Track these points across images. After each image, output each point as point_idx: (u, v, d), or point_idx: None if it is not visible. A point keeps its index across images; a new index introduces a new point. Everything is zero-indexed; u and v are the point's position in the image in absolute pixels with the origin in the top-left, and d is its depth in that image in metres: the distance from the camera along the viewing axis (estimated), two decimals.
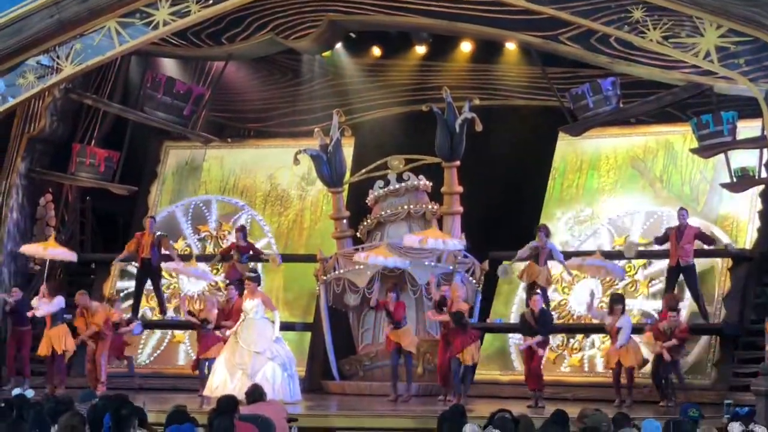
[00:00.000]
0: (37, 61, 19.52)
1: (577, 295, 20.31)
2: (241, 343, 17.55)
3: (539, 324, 17.78)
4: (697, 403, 15.33)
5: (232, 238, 21.62)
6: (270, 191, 23.06)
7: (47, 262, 20.76)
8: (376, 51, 23.45)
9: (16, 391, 13.33)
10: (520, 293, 20.42)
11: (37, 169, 22.02)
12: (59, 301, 18.84)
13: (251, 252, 20.69)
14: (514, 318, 20.21)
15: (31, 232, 22.19)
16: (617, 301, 18.14)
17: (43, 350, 18.71)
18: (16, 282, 21.27)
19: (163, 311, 21.33)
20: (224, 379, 17.37)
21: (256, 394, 12.83)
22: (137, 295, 21.32)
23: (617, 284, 19.92)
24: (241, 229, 21.07)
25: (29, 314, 19.14)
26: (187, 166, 23.68)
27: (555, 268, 19.95)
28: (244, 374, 17.20)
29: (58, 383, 18.54)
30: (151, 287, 21.29)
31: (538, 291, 18.48)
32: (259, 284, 18.48)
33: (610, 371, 18.13)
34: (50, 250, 20.12)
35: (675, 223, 19.27)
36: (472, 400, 17.53)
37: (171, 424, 10.06)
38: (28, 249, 20.64)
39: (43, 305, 18.72)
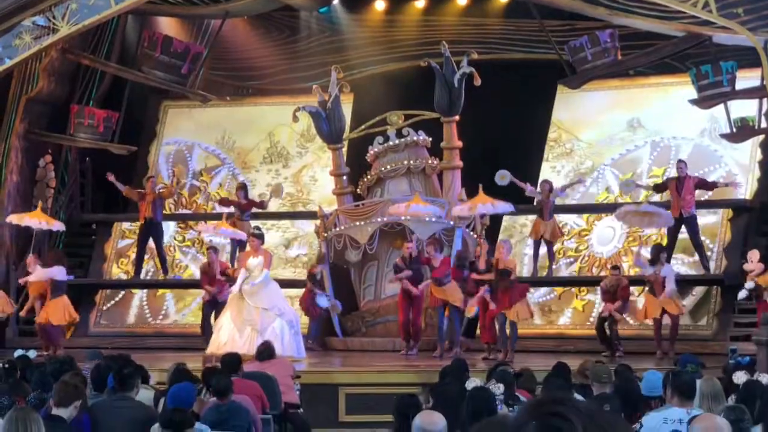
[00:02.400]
0: (32, 21, 19.42)
1: (599, 236, 20.32)
2: (248, 300, 17.55)
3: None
4: (699, 353, 15.42)
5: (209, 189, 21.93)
6: (269, 148, 23.09)
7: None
8: (374, 6, 23.35)
9: (18, 352, 13.37)
10: (524, 249, 20.53)
11: (36, 131, 21.99)
12: (56, 271, 18.53)
13: (253, 208, 20.70)
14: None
15: (31, 194, 22.20)
16: (660, 251, 18.11)
17: (40, 318, 18.53)
18: (17, 244, 21.31)
19: (165, 271, 21.39)
20: (232, 336, 17.37)
21: (266, 352, 12.90)
22: (139, 255, 21.39)
23: (642, 231, 19.91)
24: (242, 187, 21.09)
25: (21, 281, 19.10)
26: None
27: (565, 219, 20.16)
28: (254, 330, 17.21)
29: (57, 346, 18.41)
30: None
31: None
32: (263, 242, 18.50)
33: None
34: (27, 220, 19.78)
35: (682, 151, 19.34)
36: (473, 354, 17.59)
37: (174, 382, 10.10)
38: (13, 218, 20.17)
39: (38, 271, 18.57)
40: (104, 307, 21.81)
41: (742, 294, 17.53)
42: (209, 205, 22.73)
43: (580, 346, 18.37)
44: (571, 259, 20.64)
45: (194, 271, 21.45)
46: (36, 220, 19.74)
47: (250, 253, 18.08)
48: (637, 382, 9.33)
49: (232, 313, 17.63)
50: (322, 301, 19.59)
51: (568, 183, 20.72)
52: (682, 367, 11.30)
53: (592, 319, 19.77)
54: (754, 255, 17.47)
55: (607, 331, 18.02)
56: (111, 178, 21.38)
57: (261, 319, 17.33)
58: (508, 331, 17.55)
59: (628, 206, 19.08)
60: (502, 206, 19.28)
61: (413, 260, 18.53)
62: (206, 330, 19.07)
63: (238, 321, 17.45)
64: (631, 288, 18.88)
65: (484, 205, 18.96)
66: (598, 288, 18.61)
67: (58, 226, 20.18)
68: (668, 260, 18.72)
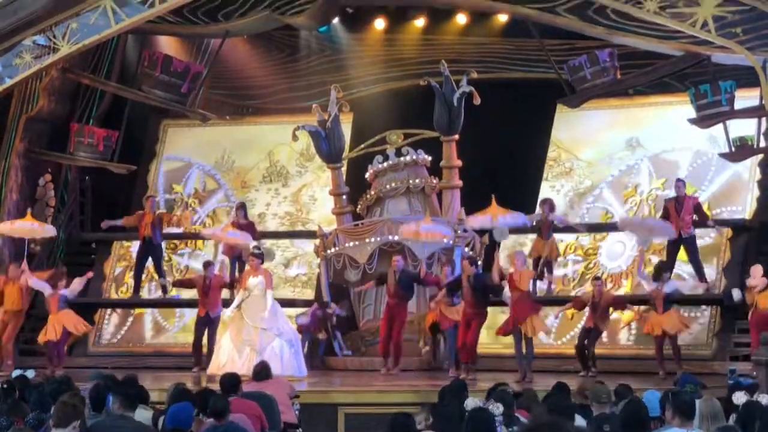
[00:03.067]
0: (33, 41, 19.44)
1: (609, 250, 20.30)
2: (247, 320, 17.56)
3: (474, 290, 17.66)
4: (698, 373, 15.41)
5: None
6: (269, 168, 23.10)
7: (47, 244, 20.87)
8: (373, 26, 23.40)
9: (16, 373, 13.35)
10: None
11: (36, 150, 21.99)
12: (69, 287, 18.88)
13: (251, 230, 20.62)
14: None
15: (31, 213, 22.15)
16: (665, 269, 18.19)
17: (50, 335, 18.64)
18: (16, 260, 21.25)
19: (164, 291, 21.37)
20: (231, 357, 17.40)
21: (263, 372, 12.89)
22: (138, 274, 21.37)
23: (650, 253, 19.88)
24: (241, 207, 21.12)
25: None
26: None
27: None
28: (253, 350, 17.21)
29: (56, 365, 18.53)
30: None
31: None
32: (263, 261, 18.51)
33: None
34: (18, 224, 19.76)
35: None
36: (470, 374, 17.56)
37: (174, 402, 10.08)
38: (3, 228, 19.98)
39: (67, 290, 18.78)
40: (119, 335, 21.71)
41: (736, 294, 17.59)
42: (198, 226, 22.69)
43: (577, 365, 18.33)
44: (580, 258, 20.64)
45: (196, 267, 21.51)
46: (28, 223, 19.72)
47: (250, 273, 18.10)
48: (645, 405, 9.30)
49: (231, 333, 17.64)
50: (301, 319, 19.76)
51: (569, 222, 20.39)
52: (681, 387, 11.30)
53: (573, 333, 19.74)
54: (757, 270, 17.47)
55: (587, 349, 18.11)
56: (105, 225, 21.35)
57: (260, 339, 17.32)
58: (524, 349, 17.59)
59: (629, 218, 19.08)
60: (522, 218, 19.27)
61: (402, 276, 18.60)
62: (198, 348, 19.17)
63: (237, 341, 17.45)
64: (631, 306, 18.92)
65: (504, 216, 18.86)
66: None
67: (49, 229, 20.18)
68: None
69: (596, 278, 18.69)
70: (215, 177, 23.26)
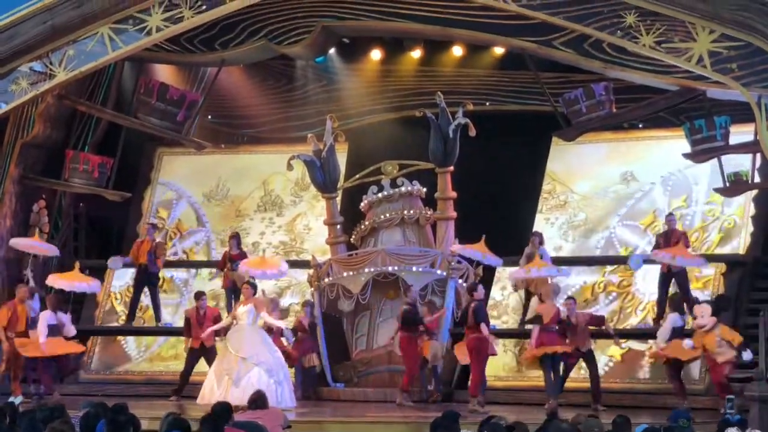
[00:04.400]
0: (30, 67, 19.51)
1: (645, 277, 20.09)
2: (230, 349, 17.55)
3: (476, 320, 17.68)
4: (692, 408, 15.37)
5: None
6: (263, 197, 23.09)
7: (39, 268, 20.88)
8: (370, 56, 23.47)
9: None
10: (512, 299, 20.52)
11: (31, 176, 21.96)
12: (61, 317, 18.94)
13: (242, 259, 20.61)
14: (510, 324, 20.41)
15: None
16: (678, 300, 18.31)
17: (36, 352, 18.63)
18: (10, 286, 21.23)
19: (158, 318, 21.33)
20: (212, 386, 17.39)
21: (259, 401, 12.85)
22: (134, 301, 21.36)
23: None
24: (235, 236, 21.11)
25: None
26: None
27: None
28: (230, 380, 17.18)
29: (49, 389, 18.46)
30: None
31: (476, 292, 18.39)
32: (256, 291, 18.50)
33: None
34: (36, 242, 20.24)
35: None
36: (461, 406, 17.48)
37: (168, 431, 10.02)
38: (51, 280, 20.25)
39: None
40: (139, 359, 21.65)
41: (746, 355, 17.40)
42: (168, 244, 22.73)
43: (573, 399, 18.27)
44: (614, 295, 20.44)
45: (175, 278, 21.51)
46: (75, 282, 20.02)
47: (242, 302, 18.12)
48: None
49: (217, 362, 17.71)
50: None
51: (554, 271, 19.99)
52: (673, 422, 11.26)
53: (605, 368, 19.62)
54: (704, 309, 17.35)
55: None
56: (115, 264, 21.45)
57: (238, 368, 17.24)
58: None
59: (520, 271, 19.26)
60: (494, 260, 19.43)
61: (415, 312, 18.62)
62: (185, 377, 19.15)
63: (219, 370, 17.44)
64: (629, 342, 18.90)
65: (479, 252, 18.98)
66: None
67: (95, 285, 20.60)
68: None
69: (569, 298, 18.60)
70: (201, 215, 23.17)
